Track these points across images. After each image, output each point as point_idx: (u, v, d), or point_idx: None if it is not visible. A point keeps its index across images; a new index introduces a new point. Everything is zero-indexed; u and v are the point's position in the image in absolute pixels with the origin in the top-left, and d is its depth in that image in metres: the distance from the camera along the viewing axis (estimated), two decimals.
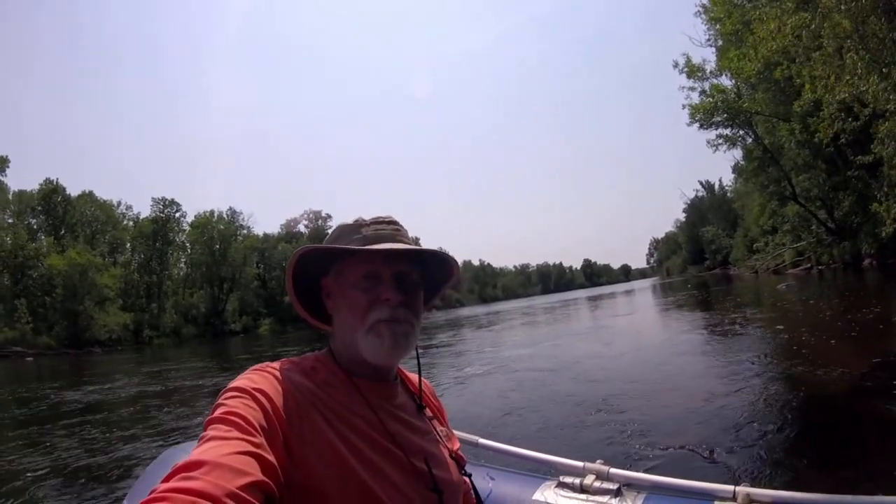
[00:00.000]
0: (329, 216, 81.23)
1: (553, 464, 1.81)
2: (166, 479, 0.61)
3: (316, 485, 0.78)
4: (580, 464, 1.72)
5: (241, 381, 0.84)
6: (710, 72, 29.00)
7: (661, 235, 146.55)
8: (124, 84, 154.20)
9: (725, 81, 29.03)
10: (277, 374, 0.87)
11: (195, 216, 65.21)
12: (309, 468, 0.78)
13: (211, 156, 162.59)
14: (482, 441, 1.94)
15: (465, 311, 57.10)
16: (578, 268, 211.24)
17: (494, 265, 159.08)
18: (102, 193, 64.54)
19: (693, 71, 29.16)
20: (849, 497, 1.32)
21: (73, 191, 56.89)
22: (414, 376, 1.14)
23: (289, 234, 78.31)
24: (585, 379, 7.68)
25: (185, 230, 64.73)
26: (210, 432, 0.72)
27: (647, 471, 1.69)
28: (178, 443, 1.70)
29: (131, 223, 62.51)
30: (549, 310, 32.51)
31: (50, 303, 45.28)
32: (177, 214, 63.09)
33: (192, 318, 59.34)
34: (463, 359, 11.79)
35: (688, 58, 29.29)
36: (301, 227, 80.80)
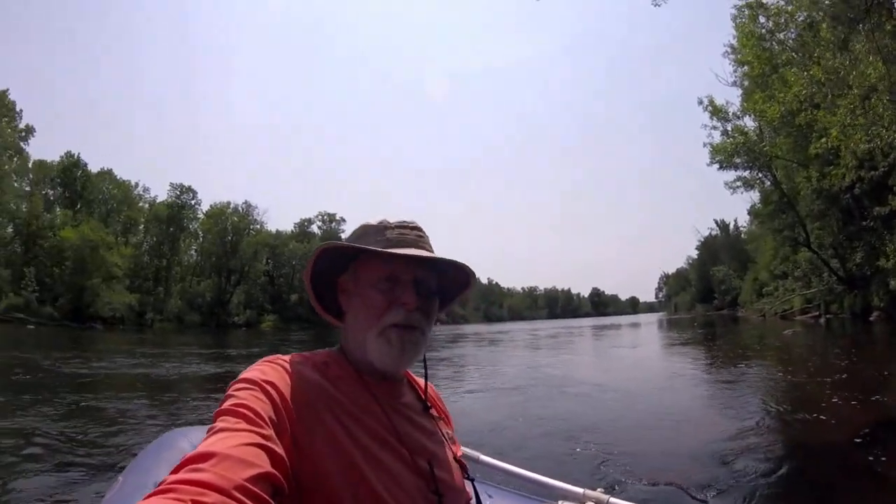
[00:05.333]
0: (343, 220, 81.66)
1: (553, 487, 1.81)
2: (175, 471, 0.62)
3: (321, 478, 0.80)
4: (580, 490, 1.73)
5: (251, 372, 0.85)
6: (734, 113, 28.83)
7: (671, 271, 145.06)
8: (153, 69, 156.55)
9: (748, 123, 29.00)
10: (288, 366, 0.89)
11: (210, 206, 65.79)
12: (315, 461, 0.80)
13: (232, 148, 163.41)
14: (483, 458, 1.94)
15: (469, 329, 56.97)
16: (586, 296, 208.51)
17: (502, 285, 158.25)
18: (122, 173, 64.84)
19: (717, 111, 28.97)
20: None
21: (94, 167, 57.36)
22: (420, 380, 1.15)
23: (301, 234, 78.40)
24: (587, 405, 7.69)
25: (199, 218, 65.08)
26: (219, 424, 0.73)
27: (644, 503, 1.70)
28: (180, 425, 1.70)
29: (147, 206, 62.56)
30: (554, 335, 32.32)
31: (58, 274, 45.57)
32: (192, 202, 63.54)
33: (197, 305, 59.47)
34: (466, 373, 11.77)
35: (711, 98, 29.16)
36: (314, 228, 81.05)
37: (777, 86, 18.64)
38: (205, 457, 0.64)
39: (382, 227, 1.01)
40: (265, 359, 0.91)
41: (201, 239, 66.23)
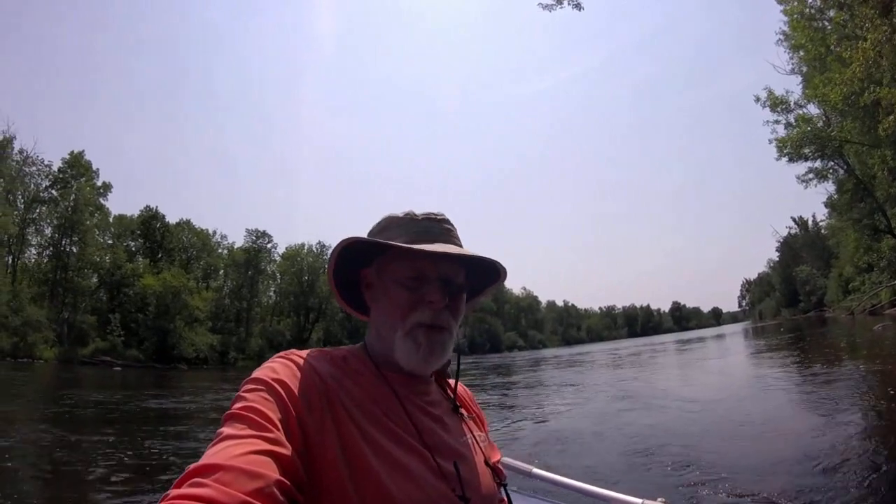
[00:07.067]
0: None
1: (609, 499, 1.76)
2: (178, 484, 0.61)
3: (332, 475, 0.77)
4: (639, 500, 1.68)
5: (262, 371, 0.84)
6: (795, 102, 27.53)
7: (753, 276, 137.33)
8: (226, 124, 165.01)
9: (813, 110, 27.58)
10: (301, 362, 0.86)
11: (286, 248, 67.71)
12: (325, 458, 0.77)
13: (304, 191, 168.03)
14: (536, 470, 1.90)
15: (548, 353, 56.53)
16: (667, 311, 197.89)
17: (579, 306, 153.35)
18: (199, 222, 67.53)
19: (776, 103, 27.67)
20: None
21: (172, 218, 60.13)
22: (451, 380, 1.09)
23: None
24: (669, 417, 7.60)
25: (275, 261, 67.09)
26: (226, 429, 0.71)
27: None
28: None
29: (225, 251, 65.02)
30: (635, 353, 31.49)
31: (142, 319, 47.42)
32: (268, 245, 65.48)
33: (277, 344, 60.45)
34: (548, 393, 12.01)
35: (769, 91, 27.84)
36: None
37: (835, 67, 17.84)
38: (208, 469, 0.62)
39: (408, 220, 0.98)
40: (279, 354, 0.89)
41: (279, 280, 68.02)
